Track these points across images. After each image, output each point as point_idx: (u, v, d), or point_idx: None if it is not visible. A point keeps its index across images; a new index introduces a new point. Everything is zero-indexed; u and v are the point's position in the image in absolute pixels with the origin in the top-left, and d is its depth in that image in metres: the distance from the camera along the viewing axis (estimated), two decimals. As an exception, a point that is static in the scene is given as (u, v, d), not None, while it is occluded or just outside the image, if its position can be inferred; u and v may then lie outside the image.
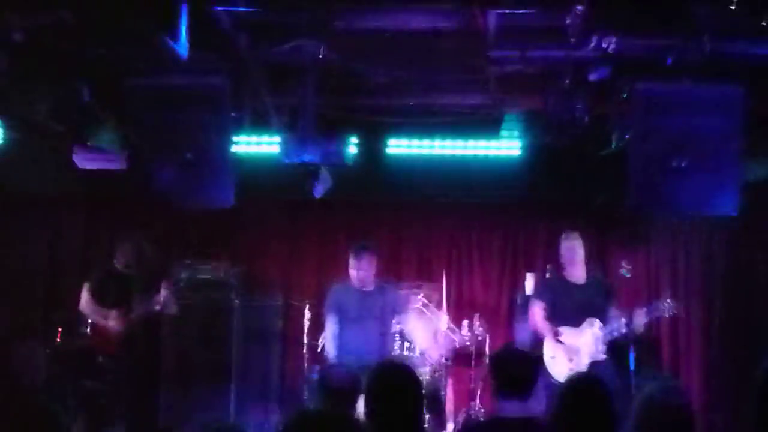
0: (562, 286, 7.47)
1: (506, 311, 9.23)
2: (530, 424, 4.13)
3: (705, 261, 9.00)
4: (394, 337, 7.36)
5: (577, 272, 7.42)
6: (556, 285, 7.59)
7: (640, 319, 7.08)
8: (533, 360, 4.46)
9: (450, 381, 8.42)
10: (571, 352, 7.19)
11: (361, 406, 5.35)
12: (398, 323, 7.28)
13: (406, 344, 7.59)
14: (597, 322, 7.14)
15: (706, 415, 8.57)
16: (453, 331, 7.49)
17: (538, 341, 7.40)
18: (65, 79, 5.63)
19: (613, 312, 7.26)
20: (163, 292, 8.10)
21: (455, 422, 8.30)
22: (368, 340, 6.98)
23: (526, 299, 8.64)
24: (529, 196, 9.06)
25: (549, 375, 7.09)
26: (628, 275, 7.38)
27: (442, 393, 8.12)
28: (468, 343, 7.52)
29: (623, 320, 7.09)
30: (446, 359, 8.13)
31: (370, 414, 4.05)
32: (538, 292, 7.75)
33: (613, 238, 9.18)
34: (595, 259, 9.10)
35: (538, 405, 6.86)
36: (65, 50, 5.08)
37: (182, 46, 4.63)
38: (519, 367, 4.28)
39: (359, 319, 7.01)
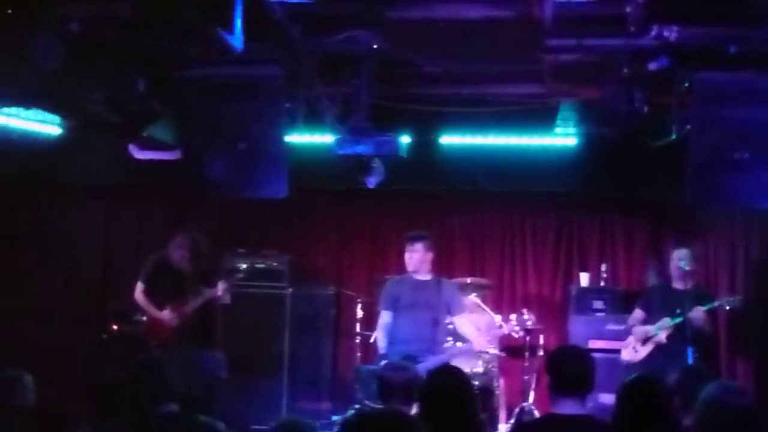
0: (663, 291, 7.74)
1: (560, 304, 9.14)
2: (587, 422, 4.06)
3: (763, 255, 8.79)
4: (446, 328, 7.29)
5: (681, 280, 7.55)
6: (657, 292, 7.85)
7: (698, 315, 7.25)
8: (590, 359, 4.36)
9: (503, 375, 8.36)
10: (637, 340, 7.62)
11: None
12: (451, 323, 7.21)
13: (459, 343, 7.53)
14: (668, 319, 7.39)
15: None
16: (504, 323, 7.40)
17: None
18: (121, 71, 5.63)
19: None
20: (221, 286, 8.13)
21: (508, 418, 8.24)
22: (419, 327, 6.94)
23: (582, 292, 8.57)
24: (583, 188, 8.95)
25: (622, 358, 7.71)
26: (687, 268, 7.25)
27: (495, 385, 8.06)
28: (518, 334, 7.42)
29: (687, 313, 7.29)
30: (499, 351, 8.07)
31: (426, 418, 4.02)
32: (640, 298, 7.95)
33: (669, 232, 9.01)
34: (650, 252, 9.01)
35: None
36: (121, 42, 5.09)
37: (237, 38, 4.61)
38: (576, 367, 4.19)
39: (412, 307, 6.98)
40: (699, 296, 7.46)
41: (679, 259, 7.48)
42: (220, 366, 5.26)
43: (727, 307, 7.69)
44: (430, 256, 7.16)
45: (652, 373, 4.88)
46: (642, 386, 3.95)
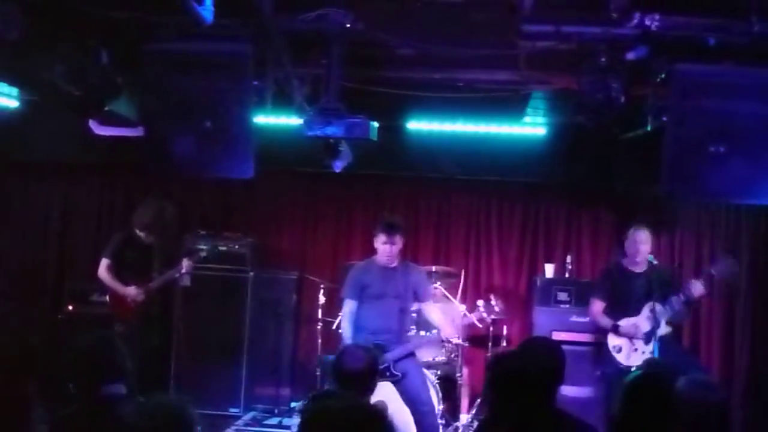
0: (620, 276, 7.47)
1: (525, 295, 9.08)
2: (559, 416, 3.96)
3: (730, 248, 8.77)
4: (413, 316, 7.18)
5: (639, 262, 7.39)
6: (614, 277, 7.55)
7: (698, 287, 7.09)
8: (561, 351, 4.27)
9: (466, 365, 8.29)
10: (634, 339, 7.20)
11: (380, 390, 5.21)
12: (417, 308, 7.09)
13: (422, 332, 7.43)
14: (656, 305, 7.01)
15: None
16: (468, 313, 7.31)
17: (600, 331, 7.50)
18: (83, 42, 5.43)
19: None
20: (186, 264, 7.96)
21: (470, 407, 8.18)
22: (387, 317, 6.83)
23: (546, 283, 8.51)
24: (551, 178, 8.90)
25: (617, 362, 7.21)
26: (655, 261, 7.18)
27: (458, 375, 7.99)
28: (484, 322, 7.33)
29: (680, 295, 7.09)
30: (463, 341, 8.00)
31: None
32: (598, 288, 7.64)
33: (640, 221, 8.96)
34: (617, 244, 8.96)
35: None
36: (85, 11, 4.89)
37: (207, 9, 4.44)
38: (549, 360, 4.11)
39: (380, 296, 6.84)
40: (663, 278, 7.20)
41: (643, 241, 7.33)
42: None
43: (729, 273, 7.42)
44: (402, 243, 7.02)
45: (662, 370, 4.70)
46: (655, 384, 3.81)
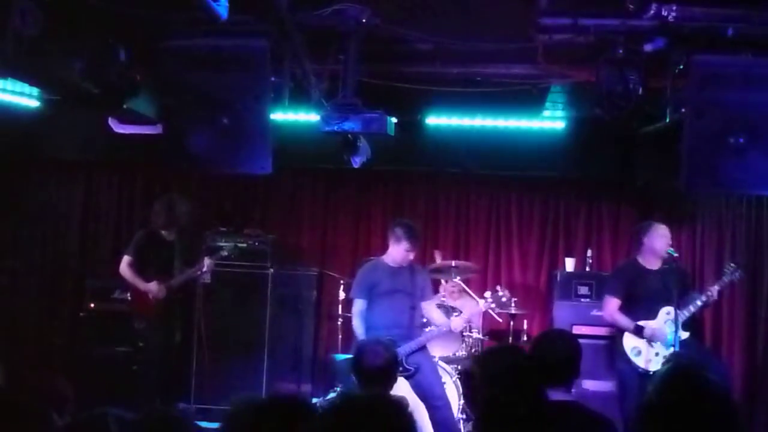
0: (636, 273, 7.29)
1: (545, 289, 9.05)
2: (576, 409, 3.94)
3: (751, 241, 8.71)
4: (421, 313, 7.20)
5: (656, 259, 7.24)
6: (630, 274, 7.35)
7: (713, 292, 7.14)
8: (577, 344, 4.24)
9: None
10: (654, 342, 7.05)
11: (400, 386, 5.23)
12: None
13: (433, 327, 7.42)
14: (671, 309, 6.89)
15: (746, 404, 8.35)
16: (479, 300, 7.31)
17: (618, 330, 7.32)
18: (101, 40, 5.46)
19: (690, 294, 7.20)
20: (207, 262, 7.98)
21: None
22: (398, 313, 6.95)
23: (567, 278, 8.48)
24: (570, 173, 8.87)
25: (635, 365, 7.03)
26: (675, 254, 7.11)
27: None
28: (495, 311, 7.32)
29: (697, 300, 7.07)
30: (483, 335, 8.00)
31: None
32: (613, 287, 7.39)
33: (657, 217, 8.91)
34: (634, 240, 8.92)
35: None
36: (103, 8, 4.91)
37: (222, 6, 4.45)
38: (563, 352, 4.08)
39: (390, 294, 6.94)
40: (677, 276, 7.03)
41: (665, 236, 7.20)
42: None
43: (735, 279, 7.34)
44: None
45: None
46: (690, 375, 3.72)
